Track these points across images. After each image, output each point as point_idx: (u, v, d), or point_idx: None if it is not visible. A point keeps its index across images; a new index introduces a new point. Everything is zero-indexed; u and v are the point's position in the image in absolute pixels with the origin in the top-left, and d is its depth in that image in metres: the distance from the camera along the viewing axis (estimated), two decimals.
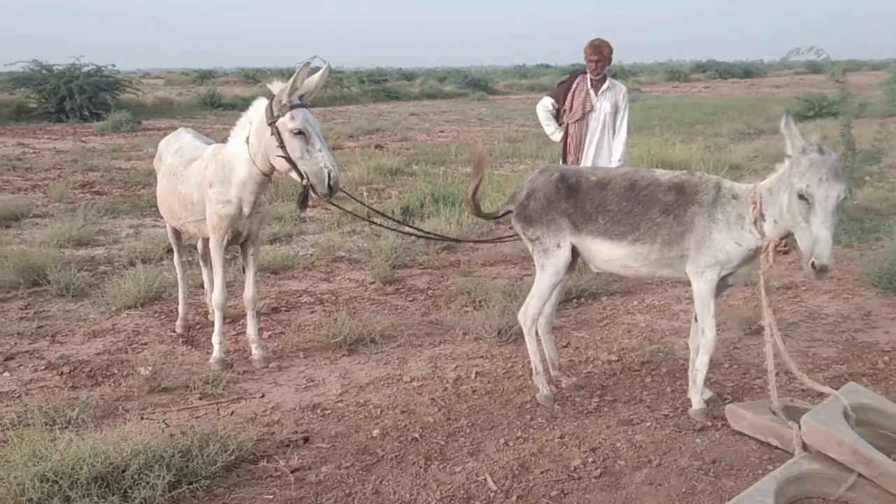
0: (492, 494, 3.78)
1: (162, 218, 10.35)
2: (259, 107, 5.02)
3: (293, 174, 4.89)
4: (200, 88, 38.78)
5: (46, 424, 4.32)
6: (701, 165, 12.03)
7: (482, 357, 5.67)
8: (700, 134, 19.06)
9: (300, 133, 4.75)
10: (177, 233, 6.23)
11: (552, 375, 5.15)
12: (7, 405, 4.90)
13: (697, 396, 4.59)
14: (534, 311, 4.88)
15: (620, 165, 7.19)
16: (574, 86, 7.46)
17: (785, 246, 4.56)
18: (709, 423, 4.44)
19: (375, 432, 4.48)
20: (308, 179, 4.82)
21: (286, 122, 4.77)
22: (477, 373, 5.34)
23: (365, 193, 11.58)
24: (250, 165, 5.07)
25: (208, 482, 3.85)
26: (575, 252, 4.81)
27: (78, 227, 9.22)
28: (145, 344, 5.95)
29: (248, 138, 5.07)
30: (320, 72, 5.05)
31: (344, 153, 16.61)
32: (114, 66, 27.82)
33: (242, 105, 31.13)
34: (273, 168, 4.99)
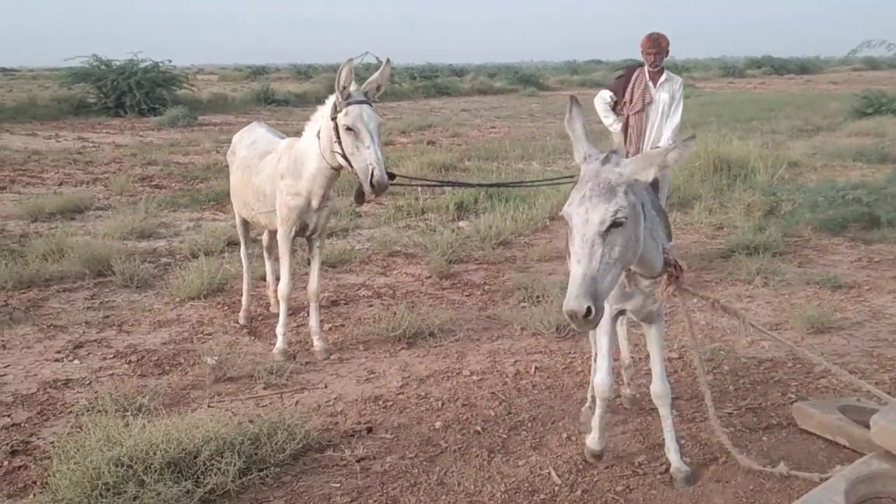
0: (556, 488, 3.80)
1: (222, 212, 10.71)
2: (329, 102, 5.10)
3: (350, 170, 4.99)
4: (254, 84, 39.30)
5: (118, 411, 4.44)
6: (759, 163, 11.86)
7: (541, 352, 5.68)
8: (757, 130, 18.77)
9: (350, 130, 4.83)
10: (245, 225, 6.34)
11: (622, 374, 4.85)
12: (78, 392, 5.05)
13: (594, 433, 4.06)
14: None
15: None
16: (633, 78, 7.47)
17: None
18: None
19: (438, 424, 4.53)
20: (357, 175, 4.91)
21: (340, 118, 4.88)
22: (536, 368, 5.36)
23: (419, 189, 11.62)
24: (320, 160, 5.16)
25: (277, 469, 3.93)
26: None
27: (140, 220, 9.42)
28: (209, 334, 6.07)
29: (318, 133, 5.15)
30: (381, 69, 5.11)
31: (396, 149, 16.70)
32: (170, 61, 28.33)
33: (295, 101, 31.71)
34: (340, 163, 5.07)
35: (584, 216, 2.89)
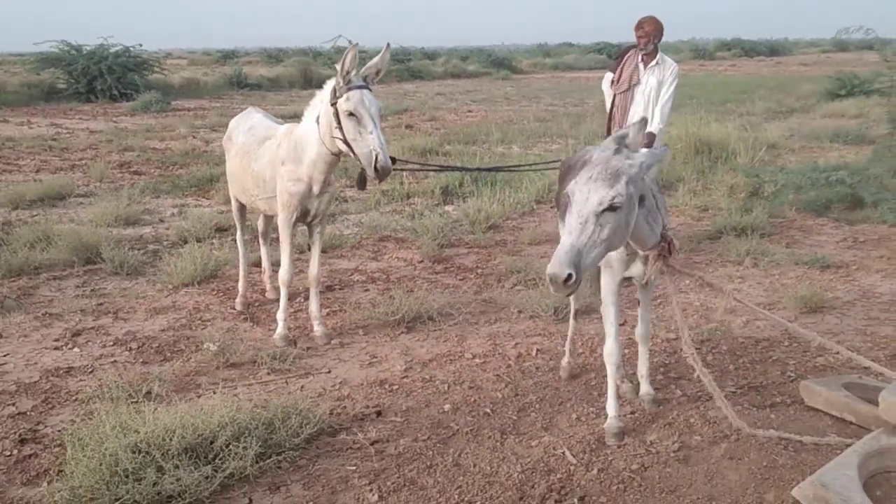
0: (572, 468, 3.85)
1: (205, 198, 10.65)
2: (327, 87, 5.07)
3: (351, 155, 4.97)
4: (225, 69, 38.89)
5: (128, 398, 4.43)
6: (739, 145, 11.99)
7: (540, 335, 5.73)
8: (732, 113, 18.95)
9: (352, 115, 4.81)
10: (242, 210, 6.31)
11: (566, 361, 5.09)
12: (81, 380, 5.02)
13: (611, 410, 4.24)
14: None
15: (660, 130, 7.25)
16: (626, 59, 7.54)
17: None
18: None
19: (447, 407, 4.56)
20: (360, 161, 4.89)
21: (341, 104, 4.84)
22: (538, 350, 5.41)
23: (403, 173, 11.61)
24: (320, 145, 5.14)
25: (292, 454, 3.95)
26: None
27: (124, 207, 9.33)
28: (207, 321, 6.05)
29: (318, 118, 5.13)
30: (381, 53, 5.10)
31: None
32: (141, 45, 27.94)
33: (268, 85, 31.48)
34: (340, 148, 5.05)
35: (586, 195, 3.21)
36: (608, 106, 7.66)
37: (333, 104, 4.91)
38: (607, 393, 4.22)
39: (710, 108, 18.97)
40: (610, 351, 4.13)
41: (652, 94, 7.36)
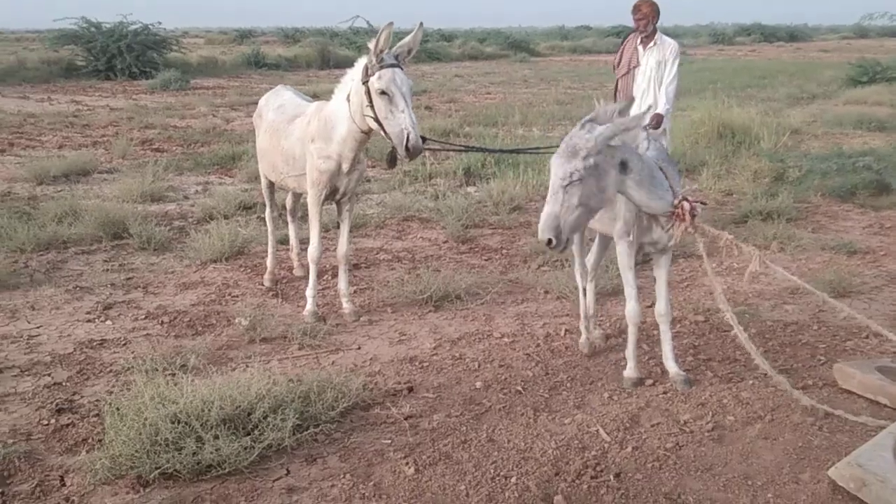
0: (606, 445, 3.88)
1: (228, 176, 10.69)
2: (359, 65, 5.07)
3: (382, 134, 4.97)
4: (242, 48, 38.92)
5: (166, 370, 4.48)
6: (763, 130, 11.92)
7: (568, 315, 5.74)
8: (753, 98, 18.82)
9: (384, 93, 4.81)
10: (271, 187, 6.35)
11: (581, 323, 5.24)
12: (115, 352, 5.08)
13: (630, 363, 4.67)
14: (575, 268, 5.27)
15: (667, 110, 7.24)
16: (626, 43, 7.63)
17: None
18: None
19: (478, 384, 4.59)
20: (391, 140, 4.90)
21: (373, 82, 4.84)
22: (566, 330, 5.43)
23: (427, 154, 11.62)
24: (350, 123, 5.15)
25: (328, 426, 3.99)
26: None
27: (148, 184, 9.37)
28: (237, 296, 6.09)
29: (349, 96, 5.14)
30: (414, 31, 5.10)
31: None
32: (160, 24, 27.92)
33: (286, 65, 31.44)
34: (370, 126, 5.06)
35: (554, 170, 3.72)
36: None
37: (365, 82, 4.91)
38: (628, 347, 4.60)
39: (731, 93, 18.87)
40: (631, 310, 4.49)
41: (652, 75, 7.39)
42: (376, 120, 4.92)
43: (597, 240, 5.26)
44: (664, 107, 7.21)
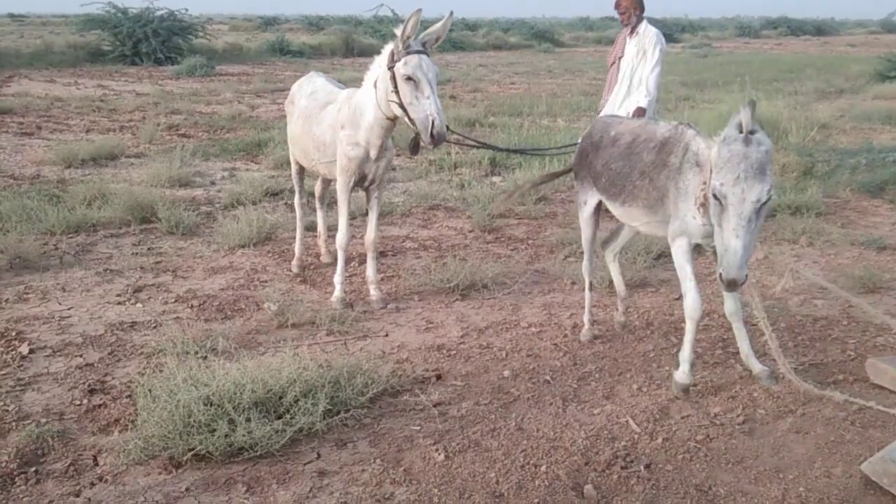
0: (636, 436, 3.87)
1: (254, 162, 10.73)
2: (386, 51, 5.08)
3: (406, 120, 4.97)
4: (267, 35, 38.99)
5: (197, 353, 4.52)
6: (792, 125, 11.81)
7: (594, 306, 5.69)
8: (780, 92, 18.65)
9: (410, 79, 4.80)
10: (301, 173, 6.37)
11: (617, 303, 5.35)
12: (145, 334, 5.13)
13: (684, 366, 4.31)
14: (584, 259, 5.12)
15: (648, 102, 7.22)
16: (619, 36, 7.75)
17: None
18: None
19: (506, 373, 4.60)
20: (415, 126, 4.90)
21: (399, 68, 4.84)
22: (594, 321, 5.41)
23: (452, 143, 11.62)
24: (377, 110, 5.15)
25: (359, 412, 4.01)
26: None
27: (176, 169, 9.43)
28: (265, 282, 6.12)
29: (375, 82, 5.14)
30: (444, 19, 5.09)
31: None
32: (187, 10, 28.03)
33: (310, 53, 31.47)
34: (395, 113, 5.06)
35: (741, 195, 3.38)
36: None
37: (391, 68, 4.91)
38: (684, 346, 4.29)
39: (758, 87, 18.72)
40: (693, 303, 4.14)
41: (633, 64, 7.40)
42: (401, 106, 4.91)
43: (626, 228, 5.10)
44: (645, 99, 7.21)
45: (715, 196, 3.47)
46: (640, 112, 7.06)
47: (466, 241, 7.38)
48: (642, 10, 7.38)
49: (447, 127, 4.98)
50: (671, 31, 54.23)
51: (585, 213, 4.92)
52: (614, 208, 4.61)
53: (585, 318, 5.14)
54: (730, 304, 4.39)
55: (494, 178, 10.01)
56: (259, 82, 20.55)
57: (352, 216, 5.76)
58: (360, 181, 5.54)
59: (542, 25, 52.87)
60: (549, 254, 6.94)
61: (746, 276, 3.42)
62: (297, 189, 6.50)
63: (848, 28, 75.26)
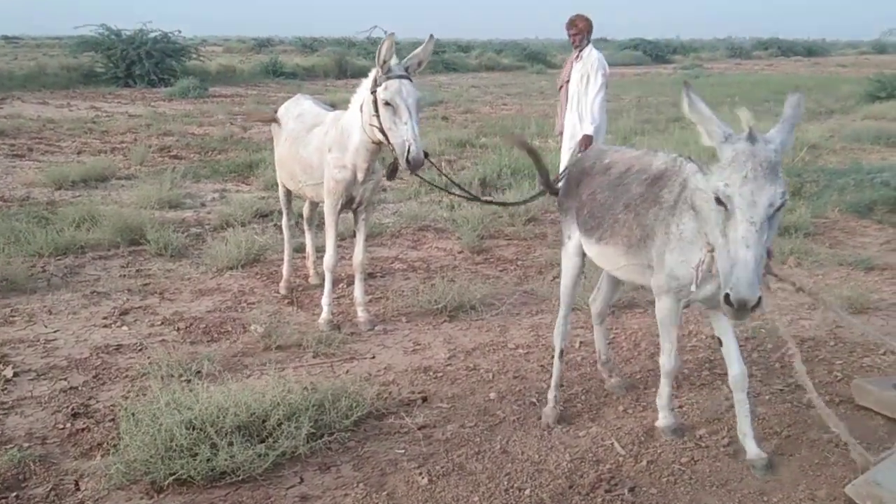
0: (621, 459, 3.86)
1: (245, 183, 10.73)
2: (371, 76, 5.10)
3: (387, 143, 5.00)
4: (260, 56, 39.11)
5: (180, 376, 4.50)
6: None
7: (582, 327, 5.72)
8: (771, 112, 18.71)
9: (389, 105, 4.84)
10: (288, 195, 6.38)
11: (598, 369, 4.79)
12: (130, 357, 5.10)
13: (663, 412, 4.06)
14: (560, 315, 4.43)
15: (595, 129, 7.28)
16: (568, 59, 7.99)
17: None
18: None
19: (492, 395, 4.59)
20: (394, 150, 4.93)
21: (379, 93, 4.89)
22: (581, 343, 5.41)
23: (443, 164, 11.68)
24: (362, 133, 5.18)
25: (342, 435, 3.99)
26: None
27: (166, 191, 9.42)
28: (252, 304, 6.11)
29: (361, 106, 5.16)
30: (424, 44, 5.15)
31: None
32: (180, 32, 28.14)
33: (304, 74, 31.57)
34: (378, 137, 5.08)
35: (751, 198, 2.85)
36: None
37: (373, 92, 4.95)
38: (660, 394, 4.04)
39: (747, 107, 18.77)
40: (670, 364, 3.86)
41: (577, 89, 7.55)
42: (381, 130, 4.95)
43: (604, 277, 4.61)
44: (591, 126, 7.26)
45: (718, 200, 2.93)
46: (586, 140, 7.15)
47: (455, 261, 7.39)
48: (591, 34, 7.52)
49: (426, 154, 4.99)
50: (663, 53, 54.67)
51: (570, 250, 4.30)
52: (589, 246, 4.08)
53: (550, 395, 4.35)
54: (734, 369, 3.76)
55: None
56: (251, 104, 20.60)
57: (341, 237, 5.77)
58: (348, 203, 5.56)
59: (535, 47, 53.11)
60: (537, 274, 6.94)
61: (760, 297, 2.80)
62: (284, 211, 6.50)
63: (839, 49, 75.81)
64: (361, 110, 5.16)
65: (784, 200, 2.92)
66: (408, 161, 4.83)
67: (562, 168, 7.29)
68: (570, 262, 4.33)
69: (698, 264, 3.32)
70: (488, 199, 7.77)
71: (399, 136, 4.85)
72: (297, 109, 6.08)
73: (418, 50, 5.12)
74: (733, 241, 2.87)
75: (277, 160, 6.20)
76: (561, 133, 7.84)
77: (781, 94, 23.74)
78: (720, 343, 3.85)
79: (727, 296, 2.83)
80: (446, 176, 7.25)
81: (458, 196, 7.56)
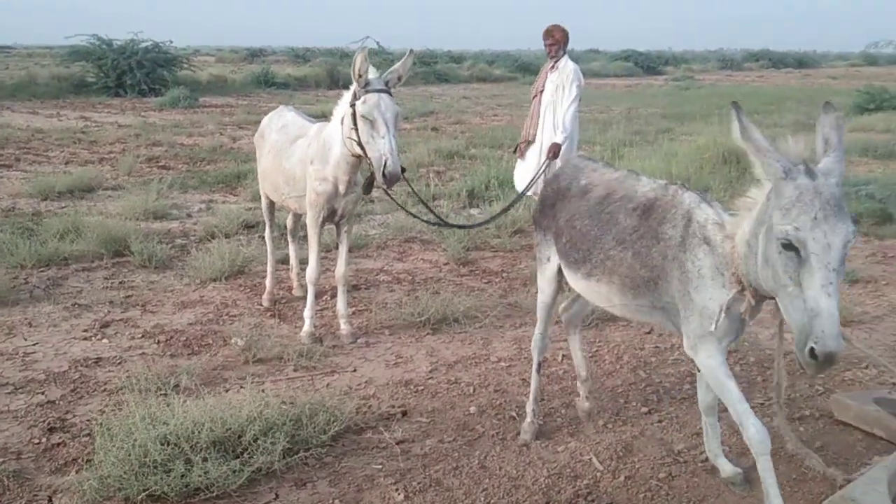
0: (599, 474, 3.84)
1: (232, 194, 10.71)
2: (352, 89, 5.10)
3: (365, 157, 5.01)
4: (252, 67, 39.15)
5: (157, 390, 4.46)
6: None
7: (566, 341, 5.68)
8: (760, 124, 18.72)
9: (367, 118, 4.85)
10: (271, 207, 6.37)
11: (577, 387, 4.45)
12: (109, 370, 5.07)
13: None
14: (536, 332, 4.35)
15: (564, 138, 7.24)
16: (542, 68, 7.88)
17: None
18: None
19: (472, 409, 4.57)
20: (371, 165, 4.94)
21: (358, 106, 4.90)
22: (563, 356, 5.39)
23: (431, 175, 11.69)
24: (342, 146, 5.18)
25: (319, 450, 3.96)
26: None
27: (152, 201, 9.39)
28: (234, 316, 6.08)
29: (343, 118, 5.16)
30: (403, 59, 5.17)
31: (401, 135, 16.61)
32: (171, 42, 28.13)
33: (295, 84, 31.61)
34: (357, 150, 5.07)
35: (824, 241, 2.61)
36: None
37: (353, 105, 4.96)
38: (766, 490, 3.17)
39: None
40: (758, 437, 3.13)
41: (551, 99, 7.51)
42: (360, 144, 4.95)
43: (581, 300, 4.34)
44: (561, 135, 7.29)
45: (788, 245, 2.65)
46: (554, 148, 7.17)
47: (441, 273, 7.37)
48: (567, 44, 7.54)
49: (403, 169, 4.98)
50: (655, 64, 54.84)
51: (548, 272, 4.11)
52: (575, 280, 3.77)
53: (529, 408, 4.26)
54: (707, 396, 3.69)
55: (472, 211, 10.02)
56: (242, 114, 20.58)
57: (326, 249, 5.75)
58: (330, 216, 5.54)
59: (527, 58, 53.19)
60: (522, 287, 6.93)
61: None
62: (267, 223, 6.49)
63: (830, 60, 76.24)
64: (342, 123, 5.15)
65: (854, 237, 2.70)
66: (384, 175, 4.84)
67: (529, 177, 7.37)
68: (549, 285, 4.17)
69: (722, 304, 3.08)
70: (449, 223, 7.54)
71: (376, 150, 4.86)
72: (280, 121, 6.07)
73: (398, 65, 5.15)
74: (811, 289, 2.60)
75: (260, 172, 6.19)
76: (527, 141, 7.87)
77: (771, 105, 23.91)
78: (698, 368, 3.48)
79: (812, 350, 2.58)
80: (417, 195, 7.12)
81: (415, 217, 7.29)
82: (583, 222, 3.63)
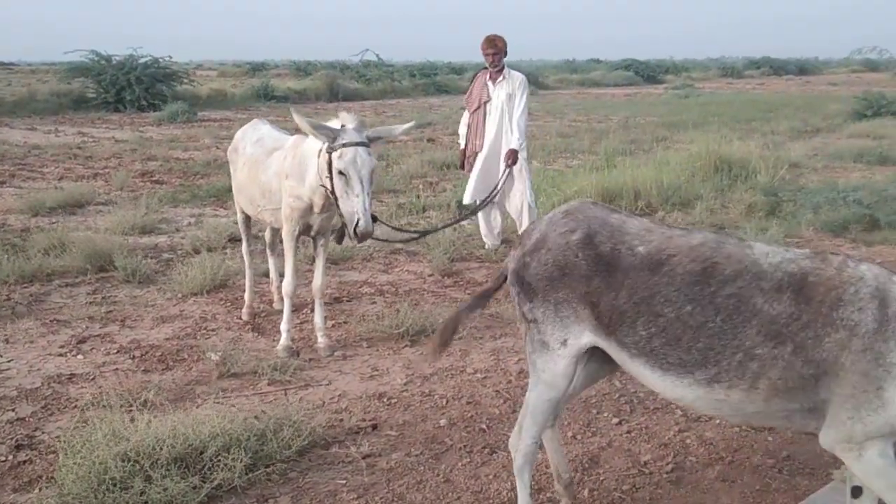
0: None
1: (223, 208, 10.71)
2: (335, 124, 4.95)
3: (336, 206, 4.97)
4: (253, 80, 39.23)
5: (123, 406, 4.44)
6: (760, 164, 11.86)
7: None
8: (757, 131, 18.79)
9: (342, 174, 4.78)
10: (247, 221, 6.36)
11: (555, 489, 3.65)
12: (82, 387, 5.05)
13: None
14: (528, 438, 3.28)
15: (522, 146, 7.38)
16: (476, 79, 7.99)
17: None
18: None
19: (443, 422, 4.54)
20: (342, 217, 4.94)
21: (334, 158, 4.79)
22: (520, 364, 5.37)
23: (421, 186, 11.69)
24: (316, 178, 5.09)
25: (283, 466, 3.94)
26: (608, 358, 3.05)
27: (141, 216, 9.40)
28: (213, 330, 6.07)
29: (320, 151, 5.02)
30: (406, 126, 5.41)
31: (396, 146, 16.67)
32: (170, 57, 28.22)
33: (295, 97, 31.63)
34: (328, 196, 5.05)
35: None
36: (461, 134, 8.13)
37: (329, 152, 4.84)
38: None
39: (734, 127, 18.89)
40: None
41: (504, 107, 7.66)
42: (332, 193, 4.90)
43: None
44: (517, 141, 7.38)
45: None
46: (512, 154, 7.28)
47: (425, 285, 7.35)
48: (506, 54, 7.72)
49: (374, 216, 4.93)
50: (655, 73, 54.83)
51: (562, 362, 3.04)
52: (677, 387, 2.81)
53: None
54: None
55: (462, 222, 9.99)
56: (239, 128, 20.55)
57: (310, 260, 5.72)
58: (306, 230, 5.53)
59: (529, 68, 53.31)
60: (505, 298, 6.87)
61: None
62: (244, 237, 6.48)
63: (831, 67, 76.16)
64: (319, 156, 5.00)
65: None
66: (355, 233, 4.82)
67: (471, 188, 7.57)
68: (563, 378, 3.09)
69: None
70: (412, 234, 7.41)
71: (350, 207, 4.80)
72: (256, 134, 6.06)
73: (397, 130, 5.31)
74: None
75: (235, 186, 6.18)
76: (475, 153, 7.95)
77: (769, 112, 23.90)
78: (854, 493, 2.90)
79: None
80: (394, 228, 6.98)
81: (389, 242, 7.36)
82: (680, 309, 2.75)
